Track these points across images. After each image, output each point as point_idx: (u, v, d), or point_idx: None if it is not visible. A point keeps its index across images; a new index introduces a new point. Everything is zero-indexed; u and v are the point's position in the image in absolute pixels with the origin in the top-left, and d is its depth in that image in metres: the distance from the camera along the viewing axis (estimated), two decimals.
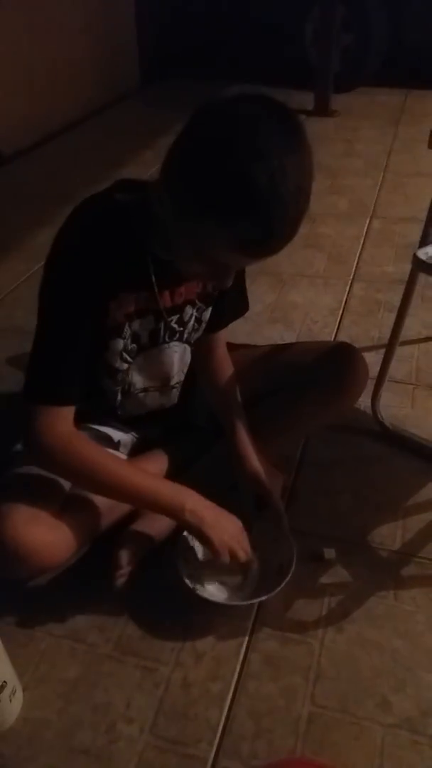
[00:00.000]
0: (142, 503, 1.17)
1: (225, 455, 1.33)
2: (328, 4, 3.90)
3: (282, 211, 0.86)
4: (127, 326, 1.15)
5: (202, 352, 1.35)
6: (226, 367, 1.39)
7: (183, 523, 1.14)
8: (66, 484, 1.21)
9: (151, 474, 1.20)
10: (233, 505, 1.21)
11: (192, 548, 1.23)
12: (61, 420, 1.08)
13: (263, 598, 1.17)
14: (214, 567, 1.20)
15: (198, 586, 1.18)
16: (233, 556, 1.15)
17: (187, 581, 1.18)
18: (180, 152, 0.90)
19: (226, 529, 1.15)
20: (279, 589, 1.16)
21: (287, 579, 1.17)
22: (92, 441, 1.14)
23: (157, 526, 1.26)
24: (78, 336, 1.07)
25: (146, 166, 3.20)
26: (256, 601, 1.19)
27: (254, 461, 1.29)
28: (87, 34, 4.22)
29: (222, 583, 1.22)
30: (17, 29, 3.55)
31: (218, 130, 0.85)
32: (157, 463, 1.37)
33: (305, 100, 4.18)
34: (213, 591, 1.20)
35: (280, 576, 1.18)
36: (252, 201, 0.84)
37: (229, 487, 1.29)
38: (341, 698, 1.08)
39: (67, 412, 1.09)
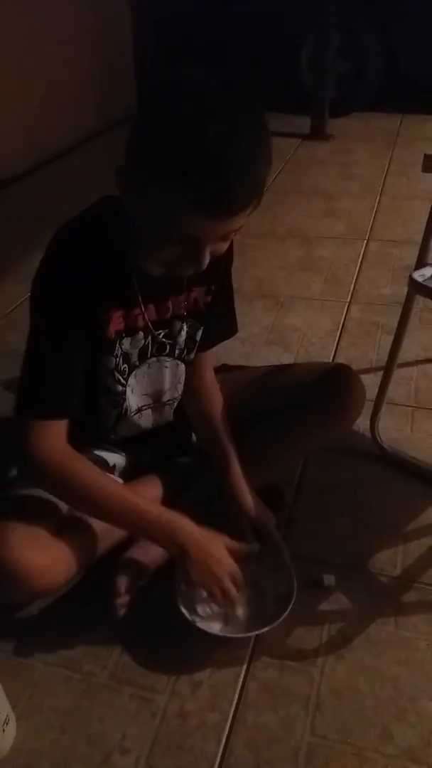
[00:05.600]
0: (131, 527, 1.15)
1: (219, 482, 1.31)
2: (324, 31, 3.97)
3: (236, 167, 0.88)
4: (117, 344, 1.15)
5: (189, 377, 1.33)
6: (214, 394, 1.37)
7: (169, 553, 1.13)
8: (63, 507, 1.20)
9: (144, 498, 1.18)
10: (230, 535, 1.20)
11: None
12: (53, 434, 1.08)
13: (262, 630, 1.15)
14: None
15: (195, 617, 1.16)
16: (213, 596, 1.12)
17: (185, 611, 1.16)
18: (134, 128, 0.94)
19: (212, 569, 1.12)
20: (278, 621, 1.14)
21: (286, 612, 1.15)
22: (85, 459, 1.13)
23: (153, 551, 1.24)
24: (67, 350, 1.07)
25: None
26: (253, 633, 1.17)
27: (247, 496, 1.27)
28: (84, 58, 4.28)
29: (220, 613, 1.19)
30: (13, 54, 3.59)
31: (165, 98, 0.90)
32: (151, 488, 1.35)
33: (302, 124, 4.23)
34: (212, 623, 1.18)
35: (280, 607, 1.16)
36: (204, 157, 0.86)
37: (224, 515, 1.28)
38: (342, 728, 1.05)
39: (59, 427, 1.09)
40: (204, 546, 1.12)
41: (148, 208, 0.96)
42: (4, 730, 1.02)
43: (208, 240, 0.97)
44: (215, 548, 1.14)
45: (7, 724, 1.02)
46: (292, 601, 1.16)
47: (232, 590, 1.13)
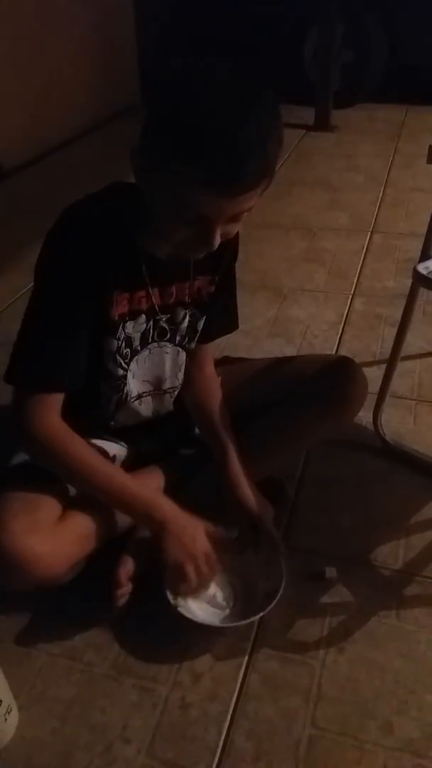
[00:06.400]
0: (114, 501, 1.18)
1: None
2: (328, 21, 3.94)
3: (246, 144, 0.89)
4: (121, 327, 1.16)
5: (189, 369, 1.34)
6: (213, 388, 1.37)
7: (148, 529, 1.16)
8: (68, 492, 1.20)
9: (128, 476, 1.20)
10: (228, 528, 1.21)
11: None
12: (48, 408, 1.11)
13: (240, 623, 1.16)
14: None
15: (181, 602, 1.17)
16: (184, 576, 1.13)
17: (170, 596, 1.16)
18: (147, 108, 0.96)
19: (187, 546, 1.13)
20: (257, 617, 1.15)
21: (268, 609, 1.15)
22: (76, 435, 1.15)
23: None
24: (67, 325, 1.09)
25: None
26: (231, 625, 1.17)
27: (245, 489, 1.27)
28: (87, 48, 4.26)
29: (208, 603, 1.20)
30: (16, 43, 3.57)
31: (177, 80, 0.92)
32: (153, 479, 1.35)
33: (306, 115, 4.21)
34: (196, 611, 1.18)
35: (266, 602, 1.16)
36: (214, 135, 0.87)
37: (223, 508, 1.28)
38: (342, 720, 1.06)
39: (55, 400, 1.12)
40: (181, 523, 1.15)
41: (160, 187, 0.97)
42: (6, 719, 1.02)
43: (218, 219, 0.97)
44: (191, 527, 1.16)
45: (9, 713, 1.03)
46: (276, 598, 1.16)
47: (204, 569, 1.15)
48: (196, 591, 1.17)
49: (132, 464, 1.37)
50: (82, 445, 1.14)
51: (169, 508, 1.15)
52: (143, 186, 1.01)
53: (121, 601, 1.19)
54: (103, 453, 1.30)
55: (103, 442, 1.32)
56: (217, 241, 1.00)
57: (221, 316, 1.33)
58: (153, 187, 0.99)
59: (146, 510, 1.15)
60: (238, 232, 1.10)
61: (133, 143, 0.98)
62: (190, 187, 0.92)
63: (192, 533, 1.15)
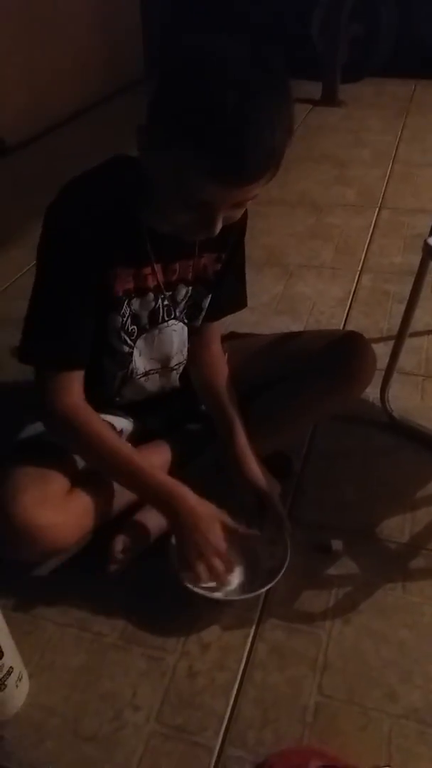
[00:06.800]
0: (133, 485, 1.18)
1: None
2: None
3: (252, 136, 0.87)
4: (126, 304, 1.15)
5: (195, 346, 1.34)
6: (220, 365, 1.37)
7: (164, 516, 1.17)
8: (78, 464, 1.22)
9: (149, 462, 1.20)
10: (234, 504, 1.22)
11: None
12: (72, 386, 1.12)
13: (238, 598, 1.17)
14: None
15: (184, 574, 1.17)
16: (196, 570, 1.14)
17: (174, 565, 1.17)
18: (157, 87, 0.93)
19: (199, 543, 1.13)
20: (258, 593, 1.17)
21: (269, 586, 1.16)
22: (97, 414, 1.16)
23: (159, 517, 1.25)
24: (77, 300, 1.08)
25: None
26: (230, 599, 1.18)
27: (252, 465, 1.27)
28: (91, 24, 4.20)
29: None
30: (21, 19, 3.53)
31: (189, 62, 0.89)
32: (160, 454, 1.36)
33: (313, 89, 4.16)
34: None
35: (270, 578, 1.17)
36: (220, 125, 0.85)
37: (230, 484, 1.29)
38: (348, 688, 1.07)
39: (78, 377, 1.13)
40: (196, 517, 1.13)
41: (164, 170, 0.95)
42: (17, 686, 1.04)
43: (220, 207, 0.96)
44: (206, 522, 1.14)
45: (20, 680, 1.05)
46: (280, 574, 1.16)
47: (218, 567, 1.14)
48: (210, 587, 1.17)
49: (138, 439, 1.37)
50: (102, 425, 1.15)
51: (188, 499, 1.14)
52: (148, 164, 1.00)
53: (112, 568, 1.21)
54: (111, 427, 1.31)
55: (110, 416, 1.33)
56: (219, 227, 0.99)
57: (229, 294, 1.32)
58: (157, 167, 0.98)
59: (165, 497, 1.14)
60: (246, 209, 1.09)
61: (136, 120, 0.96)
62: (194, 174, 0.90)
63: (204, 530, 1.14)
